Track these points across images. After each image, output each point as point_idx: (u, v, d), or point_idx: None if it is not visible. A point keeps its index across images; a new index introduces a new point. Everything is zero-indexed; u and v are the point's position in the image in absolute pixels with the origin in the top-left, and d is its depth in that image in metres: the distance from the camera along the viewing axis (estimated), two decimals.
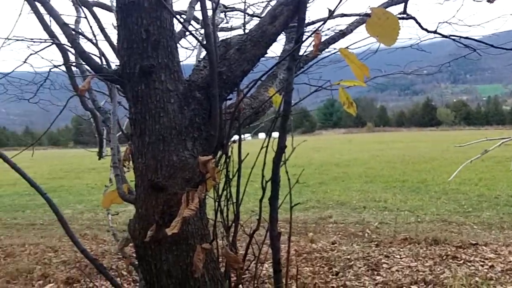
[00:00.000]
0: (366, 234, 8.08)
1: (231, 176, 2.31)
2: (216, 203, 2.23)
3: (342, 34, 3.67)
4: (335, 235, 8.09)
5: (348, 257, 6.45)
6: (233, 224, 2.27)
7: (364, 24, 1.54)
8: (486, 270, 5.75)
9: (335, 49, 3.85)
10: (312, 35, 2.11)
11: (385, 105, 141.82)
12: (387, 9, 4.42)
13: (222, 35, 4.76)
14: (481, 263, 6.08)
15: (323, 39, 3.86)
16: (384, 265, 6.10)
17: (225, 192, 2.26)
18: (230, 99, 2.62)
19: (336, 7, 1.94)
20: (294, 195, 10.21)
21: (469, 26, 4.75)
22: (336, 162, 24.29)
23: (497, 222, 8.91)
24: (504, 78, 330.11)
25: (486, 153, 2.78)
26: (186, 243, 2.30)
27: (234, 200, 2.25)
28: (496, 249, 6.70)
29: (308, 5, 3.55)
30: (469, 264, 6.08)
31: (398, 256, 6.51)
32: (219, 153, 2.33)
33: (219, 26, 5.51)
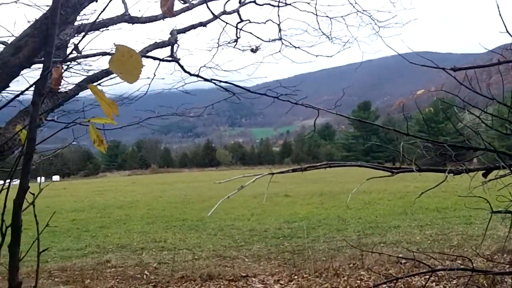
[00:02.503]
0: (145, 276, 8.00)
1: None
2: None
3: (105, 72, 3.64)
4: (114, 280, 7.84)
5: None
6: None
7: (108, 61, 1.53)
8: None
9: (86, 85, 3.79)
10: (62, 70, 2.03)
11: (169, 146, 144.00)
12: (135, 49, 4.53)
13: None
14: None
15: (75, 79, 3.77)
16: None
17: None
18: None
19: (81, 39, 1.90)
20: (72, 241, 9.63)
21: (226, 71, 5.19)
22: (119, 204, 23.67)
23: (265, 254, 9.65)
24: (274, 122, 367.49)
25: (242, 189, 2.98)
26: None
27: None
28: (264, 279, 7.25)
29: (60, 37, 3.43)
30: None
31: None
32: None
33: None
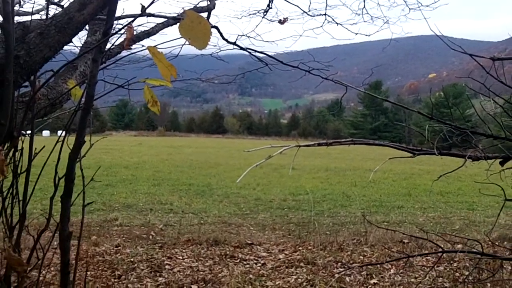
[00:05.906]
0: (151, 236, 8.14)
1: (19, 172, 2.09)
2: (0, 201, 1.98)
3: (147, 33, 3.69)
4: (120, 238, 7.95)
5: (132, 259, 6.40)
6: (18, 224, 2.05)
7: (177, 26, 1.57)
8: (259, 268, 6.29)
9: (142, 45, 3.84)
10: (124, 29, 2.07)
11: (177, 110, 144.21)
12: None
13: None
14: (255, 261, 6.62)
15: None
16: (167, 266, 6.21)
17: (11, 190, 2.03)
18: (26, 86, 2.39)
19: (150, 4, 1.95)
20: (78, 197, 9.74)
21: (265, 41, 5.21)
22: (125, 164, 23.86)
23: (270, 224, 9.83)
24: (284, 94, 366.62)
25: (269, 159, 3.07)
26: None
27: (21, 198, 2.03)
28: (268, 248, 7.39)
29: None
30: (244, 262, 6.57)
31: (181, 257, 6.70)
32: (7, 145, 2.08)
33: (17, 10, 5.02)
